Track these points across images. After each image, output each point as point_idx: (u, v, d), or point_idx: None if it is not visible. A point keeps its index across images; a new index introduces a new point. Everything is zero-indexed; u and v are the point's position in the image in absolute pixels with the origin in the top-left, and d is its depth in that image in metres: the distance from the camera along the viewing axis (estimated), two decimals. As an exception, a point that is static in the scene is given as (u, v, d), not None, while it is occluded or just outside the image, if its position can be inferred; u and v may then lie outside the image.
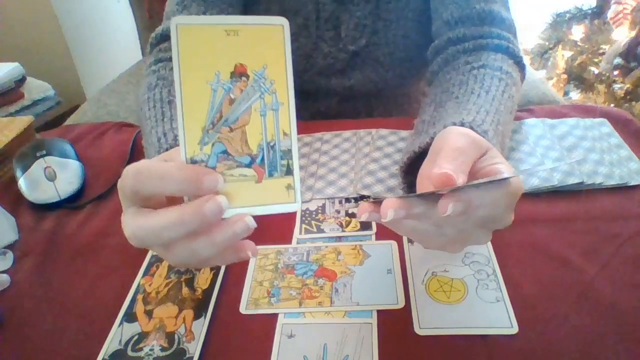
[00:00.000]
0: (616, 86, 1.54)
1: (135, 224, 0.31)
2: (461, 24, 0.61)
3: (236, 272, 0.48)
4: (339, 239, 0.51)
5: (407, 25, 0.68)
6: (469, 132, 0.39)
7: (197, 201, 0.29)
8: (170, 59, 0.61)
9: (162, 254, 0.33)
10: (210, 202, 0.29)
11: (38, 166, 0.59)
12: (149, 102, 0.53)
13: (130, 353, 0.41)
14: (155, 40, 0.65)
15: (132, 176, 0.31)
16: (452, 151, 0.35)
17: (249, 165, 0.31)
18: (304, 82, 0.74)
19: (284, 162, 0.32)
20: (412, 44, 0.69)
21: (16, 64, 1.39)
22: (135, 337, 0.42)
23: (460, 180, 0.32)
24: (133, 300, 0.46)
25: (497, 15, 0.60)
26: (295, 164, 0.32)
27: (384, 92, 0.77)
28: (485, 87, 0.51)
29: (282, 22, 0.31)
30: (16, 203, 0.60)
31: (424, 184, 0.38)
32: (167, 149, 0.44)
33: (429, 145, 0.44)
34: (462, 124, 0.42)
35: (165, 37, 0.64)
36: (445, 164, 0.33)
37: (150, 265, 0.50)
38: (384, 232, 0.50)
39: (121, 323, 0.44)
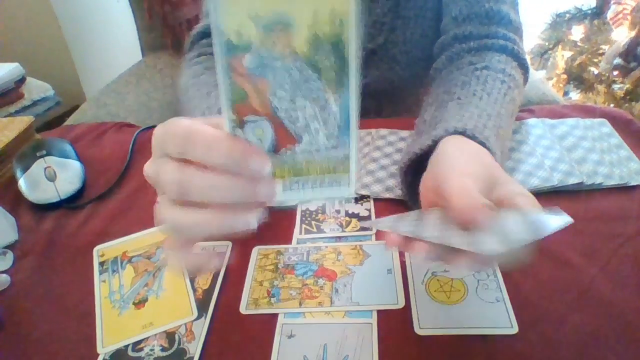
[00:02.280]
0: (616, 86, 1.54)
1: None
2: (469, 21, 0.61)
3: (236, 272, 0.48)
4: (339, 239, 0.51)
5: (425, 23, 0.68)
6: (473, 156, 0.39)
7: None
8: (212, 53, 0.62)
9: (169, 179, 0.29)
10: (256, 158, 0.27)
11: (38, 166, 0.59)
12: (196, 86, 0.54)
13: (130, 353, 0.41)
14: (196, 38, 0.68)
15: (182, 136, 0.27)
16: (458, 190, 0.34)
17: None
18: None
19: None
20: (429, 43, 0.69)
21: (16, 64, 1.39)
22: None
23: (481, 216, 0.32)
24: (133, 300, 0.46)
25: (506, 15, 0.60)
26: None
27: (396, 91, 0.77)
28: (488, 89, 0.51)
29: None
30: (16, 203, 0.60)
31: (429, 197, 0.39)
32: None
33: (429, 147, 0.44)
34: (464, 131, 0.42)
35: (206, 34, 0.67)
36: (465, 200, 0.33)
37: (150, 265, 0.50)
38: (384, 232, 0.50)
39: (121, 323, 0.44)
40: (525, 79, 0.60)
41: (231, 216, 0.28)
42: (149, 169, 0.30)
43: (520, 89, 0.57)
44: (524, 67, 0.59)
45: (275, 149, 0.28)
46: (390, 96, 0.78)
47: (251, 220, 0.29)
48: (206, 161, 0.27)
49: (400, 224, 0.37)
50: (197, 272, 0.33)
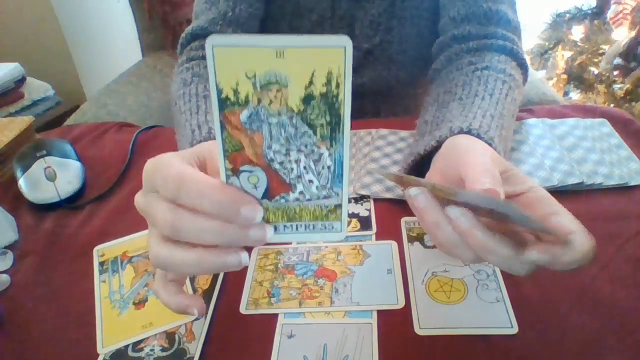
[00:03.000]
0: (616, 86, 1.54)
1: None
2: (467, 21, 0.61)
3: (236, 272, 0.48)
4: (339, 239, 0.51)
5: (421, 23, 0.68)
6: (486, 148, 0.38)
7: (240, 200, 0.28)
8: (203, 57, 0.62)
9: (163, 218, 0.29)
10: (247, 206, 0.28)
11: (38, 166, 0.59)
12: (184, 97, 0.54)
13: (130, 353, 0.41)
14: (186, 40, 0.66)
15: (174, 182, 0.28)
16: (480, 165, 0.34)
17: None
18: None
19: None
20: (425, 43, 0.69)
21: (16, 64, 1.39)
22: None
23: (503, 195, 0.32)
24: (133, 300, 0.46)
25: (504, 15, 0.60)
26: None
27: (393, 91, 0.77)
28: (489, 89, 0.51)
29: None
30: (16, 203, 0.60)
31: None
32: (200, 142, 0.43)
33: (434, 148, 0.44)
34: (470, 131, 0.42)
35: (195, 36, 0.65)
36: (482, 178, 0.32)
37: (150, 265, 0.50)
38: (384, 232, 0.50)
39: (121, 323, 0.44)
40: (525, 79, 0.60)
41: (223, 255, 0.29)
42: (140, 201, 0.31)
43: (520, 89, 0.57)
44: (523, 67, 0.59)
45: (269, 196, 0.29)
46: (387, 96, 0.78)
47: (243, 258, 0.30)
48: (198, 208, 0.28)
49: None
50: (182, 312, 0.34)
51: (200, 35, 0.64)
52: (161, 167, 0.29)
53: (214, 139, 0.29)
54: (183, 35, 0.66)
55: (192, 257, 0.29)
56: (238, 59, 0.25)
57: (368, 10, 0.68)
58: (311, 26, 0.69)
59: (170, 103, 0.59)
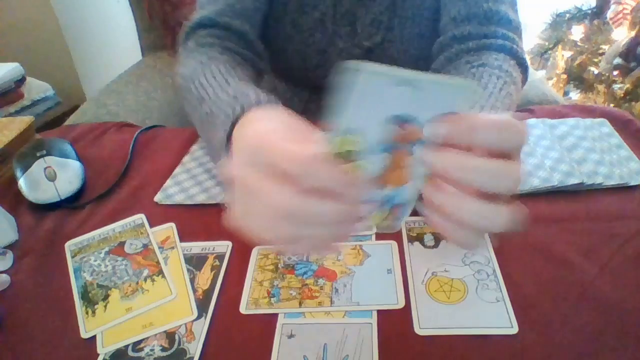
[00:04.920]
0: (616, 86, 1.54)
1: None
2: (467, 21, 0.61)
3: (236, 272, 0.48)
4: (339, 239, 0.51)
5: (423, 23, 0.68)
6: None
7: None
8: (212, 45, 0.61)
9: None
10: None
11: (38, 166, 0.59)
12: (206, 75, 0.53)
13: (130, 353, 0.41)
14: (191, 28, 0.65)
15: (301, 164, 0.28)
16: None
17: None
18: (317, 77, 0.74)
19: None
20: (426, 43, 0.69)
21: (16, 64, 1.39)
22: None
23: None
24: (133, 300, 0.46)
25: (504, 15, 0.60)
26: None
27: None
28: (483, 84, 0.51)
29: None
30: (16, 203, 0.60)
31: None
32: (249, 107, 0.42)
33: None
34: None
35: (202, 25, 0.64)
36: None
37: (150, 265, 0.50)
38: (384, 232, 0.50)
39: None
40: (525, 78, 0.60)
41: (351, 214, 0.30)
42: (247, 174, 0.31)
43: (518, 86, 0.57)
44: (522, 66, 0.59)
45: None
46: None
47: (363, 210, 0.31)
48: (325, 191, 0.29)
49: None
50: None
51: (208, 25, 0.64)
52: (278, 145, 0.30)
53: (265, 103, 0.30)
54: (188, 24, 0.66)
55: (334, 207, 0.29)
56: None
57: (369, 8, 0.68)
58: (312, 23, 0.69)
59: (181, 83, 0.58)
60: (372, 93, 0.27)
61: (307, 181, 0.28)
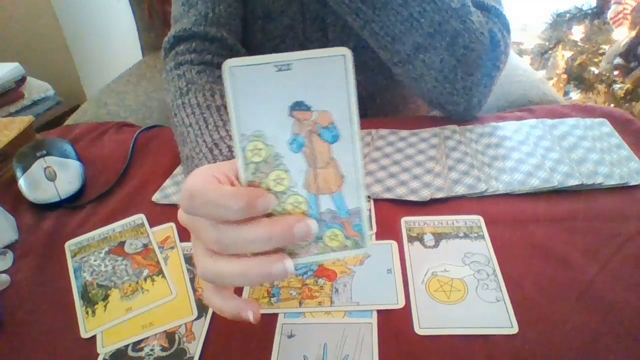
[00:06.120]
0: (616, 86, 1.53)
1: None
2: None
3: (236, 272, 0.48)
4: (339, 239, 0.51)
5: None
6: None
7: (288, 221, 0.29)
8: (192, 62, 0.61)
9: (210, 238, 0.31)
10: (301, 223, 0.29)
11: (38, 166, 0.59)
12: (186, 109, 0.53)
13: (130, 353, 0.41)
14: (169, 44, 0.65)
15: (186, 198, 0.30)
16: None
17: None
18: None
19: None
20: None
21: (16, 64, 1.39)
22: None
23: None
24: (133, 300, 0.46)
25: (492, 8, 0.60)
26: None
27: (375, 95, 0.77)
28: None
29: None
30: (16, 203, 0.60)
31: None
32: (222, 161, 0.43)
33: None
34: None
35: (179, 39, 0.64)
36: None
37: (150, 265, 0.50)
38: (384, 232, 0.50)
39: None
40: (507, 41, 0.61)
41: (267, 264, 0.30)
42: (184, 218, 0.33)
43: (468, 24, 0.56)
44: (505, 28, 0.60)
45: None
46: (371, 98, 0.77)
47: (287, 266, 0.30)
48: (218, 217, 0.29)
49: None
50: (237, 318, 0.34)
51: (184, 37, 0.63)
52: (182, 191, 0.31)
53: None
54: (166, 39, 0.65)
55: (238, 268, 0.30)
56: None
57: (339, 14, 0.67)
58: (282, 29, 0.69)
59: (167, 110, 0.58)
60: (253, 87, 0.26)
61: (221, 214, 0.29)
